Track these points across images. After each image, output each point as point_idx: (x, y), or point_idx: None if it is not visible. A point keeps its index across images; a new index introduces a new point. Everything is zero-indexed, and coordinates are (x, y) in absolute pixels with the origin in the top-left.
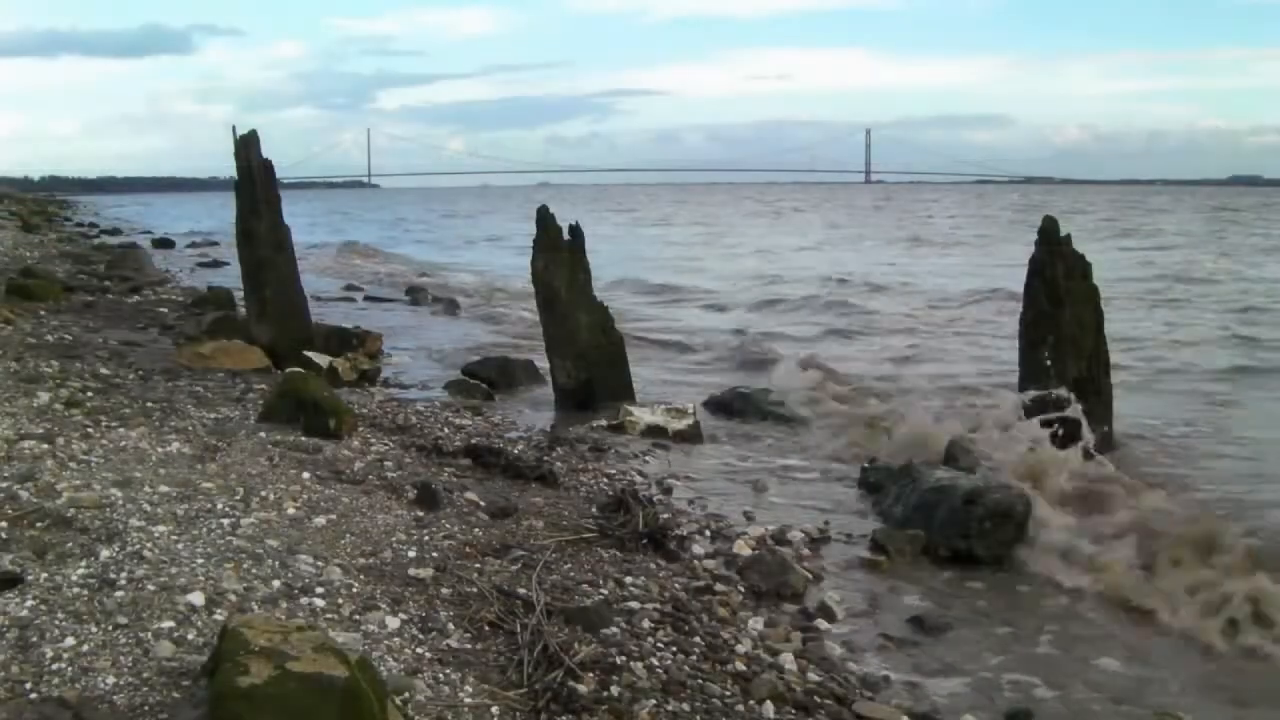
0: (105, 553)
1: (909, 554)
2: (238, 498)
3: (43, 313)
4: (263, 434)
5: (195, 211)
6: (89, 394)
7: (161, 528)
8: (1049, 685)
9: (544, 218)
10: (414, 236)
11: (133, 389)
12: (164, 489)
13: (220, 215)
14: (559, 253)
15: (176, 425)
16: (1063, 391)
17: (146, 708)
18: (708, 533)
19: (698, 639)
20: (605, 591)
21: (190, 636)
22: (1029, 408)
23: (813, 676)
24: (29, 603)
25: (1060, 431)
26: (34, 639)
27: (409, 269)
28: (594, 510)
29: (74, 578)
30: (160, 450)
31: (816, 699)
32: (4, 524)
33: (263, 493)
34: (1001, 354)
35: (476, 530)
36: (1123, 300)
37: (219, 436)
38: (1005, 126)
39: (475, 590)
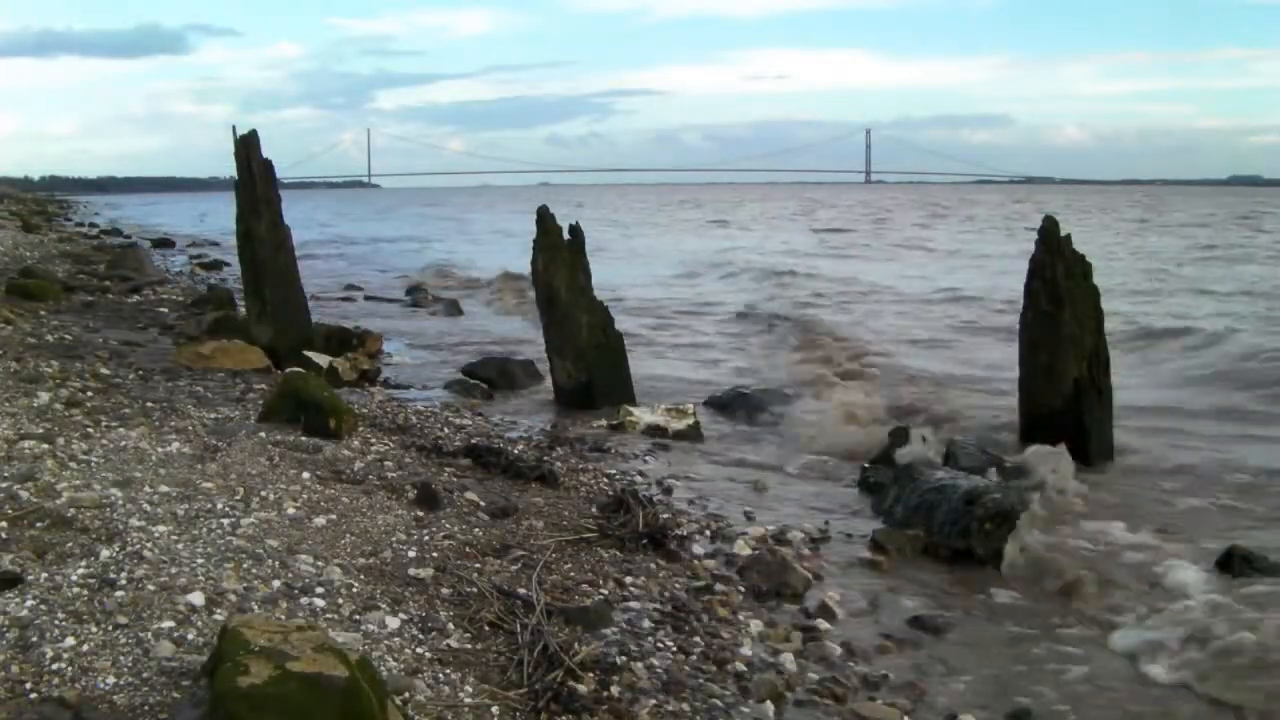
0: (105, 553)
1: (909, 554)
2: (238, 498)
3: (43, 313)
4: (263, 434)
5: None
6: (89, 394)
7: (161, 528)
8: (1049, 685)
9: (544, 218)
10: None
11: (133, 389)
12: (164, 489)
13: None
14: (559, 252)
15: (176, 425)
16: None
17: (146, 708)
18: (708, 533)
19: (698, 639)
20: (605, 591)
21: (190, 636)
22: None
23: (813, 676)
24: (29, 603)
25: None
26: (34, 639)
27: None
28: (594, 510)
29: (74, 578)
30: (160, 450)
31: (816, 699)
32: (4, 524)
33: (263, 493)
34: None
35: (476, 530)
36: None
37: (219, 436)
38: (1005, 126)
39: (475, 590)
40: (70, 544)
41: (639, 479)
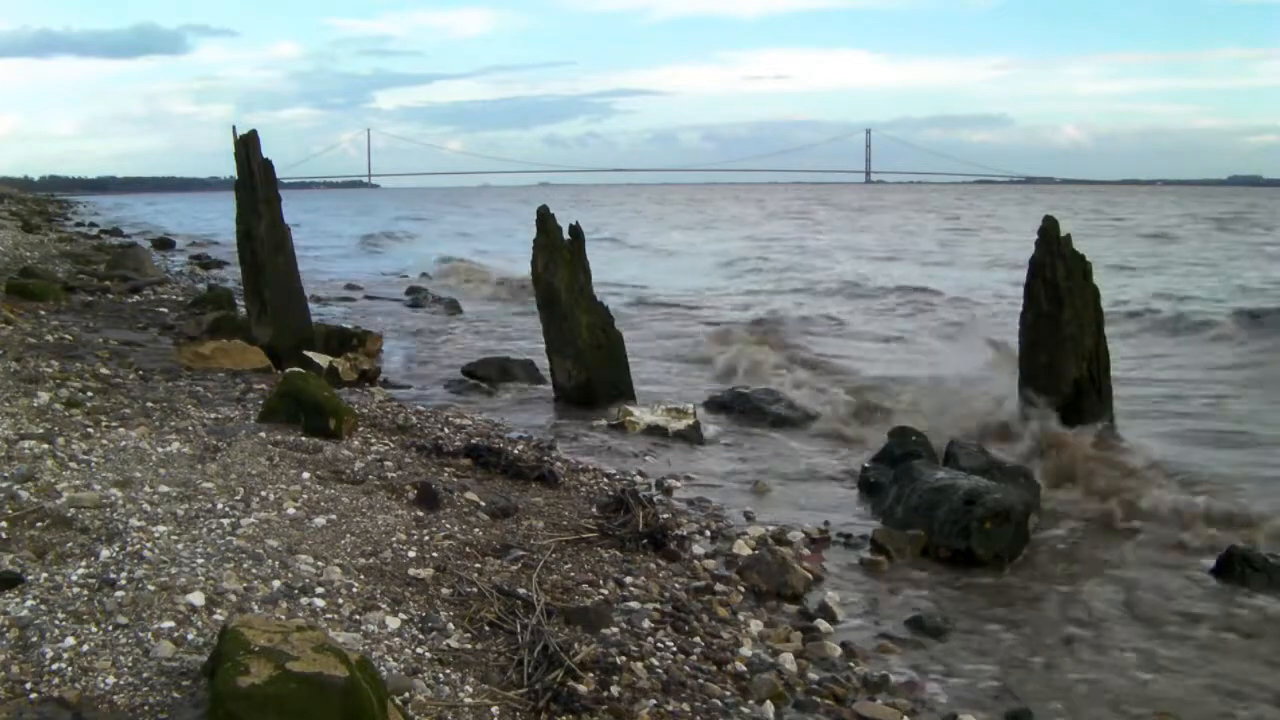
0: (105, 553)
1: (909, 554)
2: (238, 498)
3: (43, 313)
4: (263, 434)
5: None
6: (89, 394)
7: (161, 528)
8: (1049, 686)
9: (544, 218)
10: None
11: (133, 389)
12: (164, 489)
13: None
14: (559, 252)
15: (176, 425)
16: None
17: (146, 708)
18: (708, 533)
19: (698, 639)
20: (605, 591)
21: (190, 636)
22: None
23: (813, 676)
24: (29, 603)
25: None
26: (34, 639)
27: None
28: (594, 510)
29: (74, 578)
30: (160, 450)
31: (816, 699)
32: (4, 524)
33: (263, 493)
34: None
35: (476, 530)
36: None
37: (219, 436)
38: (1004, 126)
39: (475, 590)
40: (70, 544)
41: (639, 479)
